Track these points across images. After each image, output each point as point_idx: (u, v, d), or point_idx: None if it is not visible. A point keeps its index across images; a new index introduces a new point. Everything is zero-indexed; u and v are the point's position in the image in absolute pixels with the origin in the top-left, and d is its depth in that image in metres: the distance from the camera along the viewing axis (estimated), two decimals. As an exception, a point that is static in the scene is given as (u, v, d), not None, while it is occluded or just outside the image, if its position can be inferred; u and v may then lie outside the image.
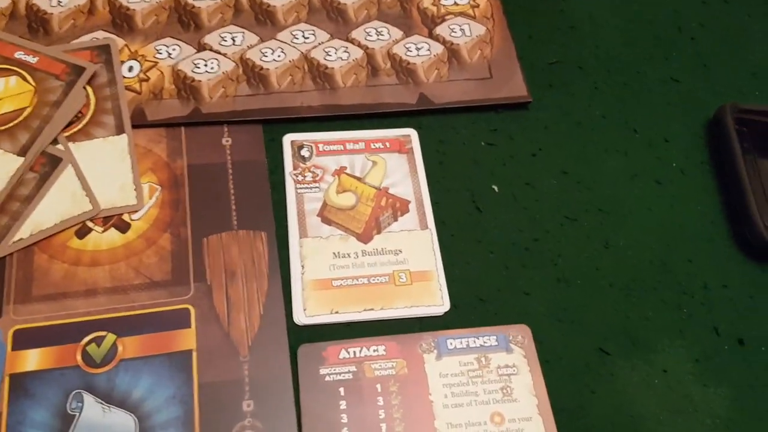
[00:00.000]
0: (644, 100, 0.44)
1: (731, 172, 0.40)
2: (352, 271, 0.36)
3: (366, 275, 0.36)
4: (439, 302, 0.35)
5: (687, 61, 0.45)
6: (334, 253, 0.36)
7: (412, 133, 0.41)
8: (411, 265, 0.36)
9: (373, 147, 0.40)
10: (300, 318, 0.34)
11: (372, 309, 0.35)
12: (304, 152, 0.39)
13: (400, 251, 0.37)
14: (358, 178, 0.39)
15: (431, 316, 0.35)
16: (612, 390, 0.34)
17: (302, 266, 0.36)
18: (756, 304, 0.37)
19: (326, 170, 0.39)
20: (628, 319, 0.36)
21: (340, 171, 0.39)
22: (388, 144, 0.40)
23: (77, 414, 0.31)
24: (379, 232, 0.37)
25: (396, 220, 0.38)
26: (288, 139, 0.40)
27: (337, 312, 0.35)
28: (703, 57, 0.46)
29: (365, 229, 0.37)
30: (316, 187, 0.38)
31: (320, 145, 0.39)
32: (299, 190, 0.38)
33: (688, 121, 0.43)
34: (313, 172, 0.39)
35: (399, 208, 0.38)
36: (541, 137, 0.41)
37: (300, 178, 0.38)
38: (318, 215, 0.37)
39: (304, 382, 0.33)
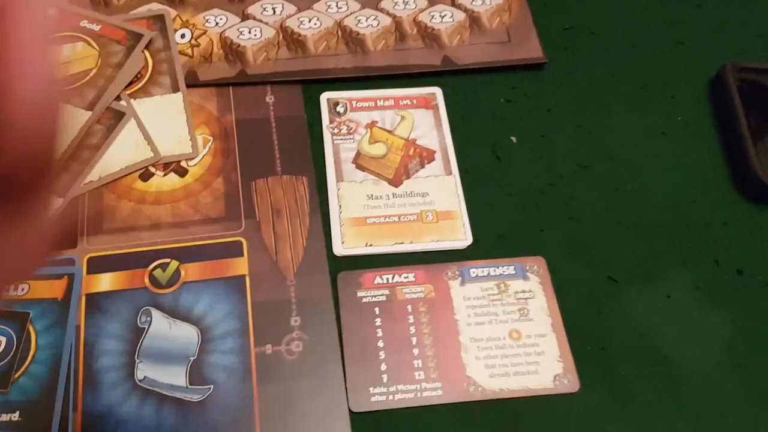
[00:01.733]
0: (652, 61, 0.47)
1: (732, 124, 0.43)
2: (384, 211, 0.40)
3: (397, 214, 0.40)
4: (462, 237, 0.39)
5: (693, 25, 0.49)
6: (367, 195, 0.40)
7: (437, 91, 0.45)
8: (437, 206, 0.40)
9: (401, 103, 0.44)
10: (339, 250, 0.38)
11: (402, 243, 0.39)
12: (340, 108, 0.43)
13: (428, 194, 0.41)
14: (389, 131, 0.43)
15: (455, 250, 0.39)
16: (619, 311, 0.37)
17: (339, 206, 0.40)
18: (754, 238, 0.40)
19: (359, 124, 0.43)
20: (635, 252, 0.39)
21: (372, 124, 0.43)
22: (415, 101, 0.44)
23: (146, 327, 0.35)
24: (408, 178, 0.41)
25: (423, 167, 0.42)
26: (324, 97, 0.44)
27: (371, 245, 0.39)
28: (708, 22, 0.49)
29: (396, 175, 0.41)
30: (350, 139, 0.42)
31: (354, 102, 0.44)
32: (335, 141, 0.42)
33: (693, 79, 0.46)
34: (348, 126, 0.43)
35: (426, 156, 0.42)
36: (556, 94, 0.45)
37: (336, 130, 0.43)
38: (353, 162, 0.41)
39: (344, 303, 0.37)
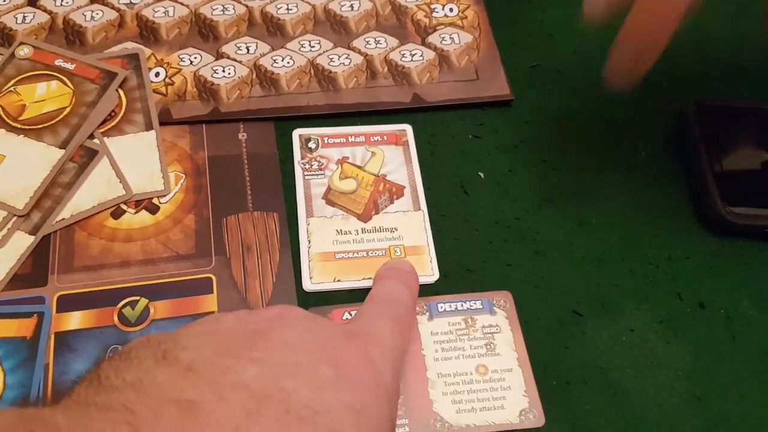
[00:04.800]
0: (616, 98, 0.48)
1: (694, 159, 0.44)
2: (353, 246, 0.40)
3: (365, 249, 0.40)
4: (429, 272, 0.40)
5: (657, 63, 0.50)
6: (337, 230, 0.41)
7: (407, 128, 0.45)
8: (405, 241, 0.41)
9: (372, 140, 0.45)
10: (307, 285, 0.39)
11: (370, 278, 0.39)
12: (311, 144, 0.44)
13: (396, 229, 0.41)
14: (359, 167, 0.44)
15: (423, 285, 0.40)
16: (584, 346, 0.38)
17: (309, 241, 0.40)
18: (716, 272, 0.41)
19: (330, 159, 0.44)
20: (599, 286, 0.40)
21: (342, 160, 0.44)
22: (385, 137, 0.45)
23: (115, 365, 0.35)
24: (377, 213, 0.42)
25: (392, 202, 0.42)
26: (296, 133, 0.45)
27: (339, 280, 0.39)
28: (672, 60, 0.50)
29: (365, 210, 0.42)
30: (321, 174, 0.43)
31: (325, 138, 0.44)
32: (306, 177, 0.43)
33: (656, 115, 0.48)
34: (319, 162, 0.43)
35: (395, 192, 0.43)
36: (523, 131, 0.46)
37: (307, 166, 0.43)
38: (323, 198, 0.42)
39: (311, 339, 0.37)
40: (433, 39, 0.50)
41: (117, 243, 0.39)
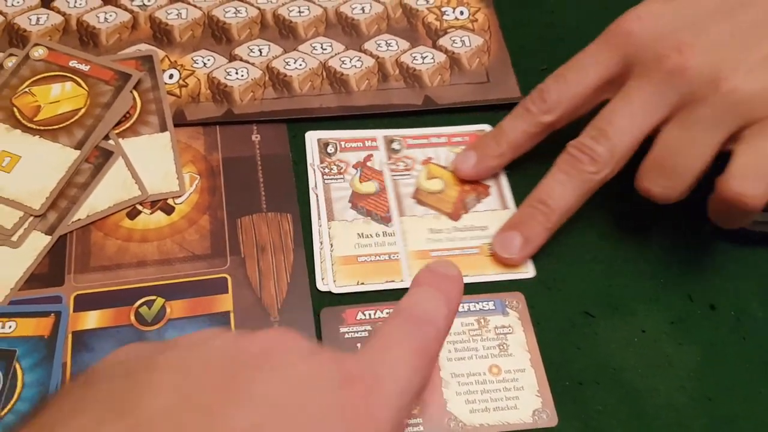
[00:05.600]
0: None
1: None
2: (446, 244, 0.41)
3: (459, 247, 0.41)
4: (525, 270, 0.41)
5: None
6: (430, 229, 0.42)
7: (486, 128, 0.46)
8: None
9: (453, 141, 0.45)
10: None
11: (467, 275, 0.39)
12: (395, 145, 0.45)
13: (486, 227, 0.42)
14: (444, 167, 0.44)
15: (519, 280, 0.40)
16: (595, 346, 0.38)
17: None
18: (727, 275, 0.41)
19: (415, 160, 0.44)
20: (610, 287, 0.41)
21: (427, 161, 0.44)
22: (467, 138, 0.45)
23: (132, 364, 0.36)
24: (466, 212, 0.43)
25: (479, 201, 0.43)
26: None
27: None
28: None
29: (454, 209, 0.43)
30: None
31: (408, 140, 0.45)
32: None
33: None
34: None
35: (481, 191, 0.43)
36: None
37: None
38: (413, 197, 0.43)
39: (326, 338, 0.37)
40: (443, 42, 0.50)
41: (133, 243, 0.40)
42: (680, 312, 0.40)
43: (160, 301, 0.38)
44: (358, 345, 0.37)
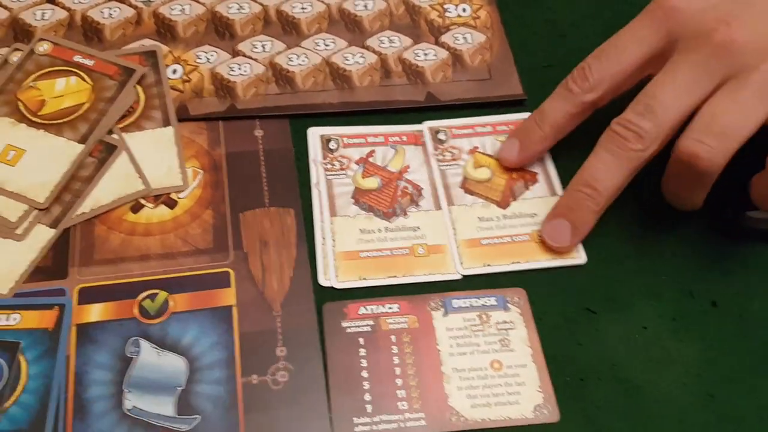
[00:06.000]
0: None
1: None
2: (496, 232, 0.41)
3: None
4: (576, 255, 0.41)
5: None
6: (479, 218, 0.42)
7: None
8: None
9: (498, 129, 0.46)
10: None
11: (518, 261, 0.40)
12: (441, 136, 0.45)
13: (536, 214, 0.42)
14: (490, 156, 0.44)
15: (567, 266, 0.41)
16: (597, 342, 0.39)
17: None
18: (728, 271, 0.41)
19: (462, 150, 0.44)
20: (611, 283, 0.41)
21: (474, 150, 0.45)
22: (512, 126, 0.46)
23: (135, 357, 0.36)
24: (515, 200, 0.43)
25: (528, 189, 0.43)
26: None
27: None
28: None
29: (503, 198, 0.43)
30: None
31: (454, 130, 0.46)
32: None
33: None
34: (452, 152, 0.44)
35: (529, 179, 0.44)
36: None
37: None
38: (461, 187, 0.43)
39: (329, 333, 0.38)
40: (446, 38, 0.50)
41: (136, 237, 0.40)
42: (681, 308, 0.40)
43: (163, 294, 0.38)
44: (361, 339, 0.38)
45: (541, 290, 0.40)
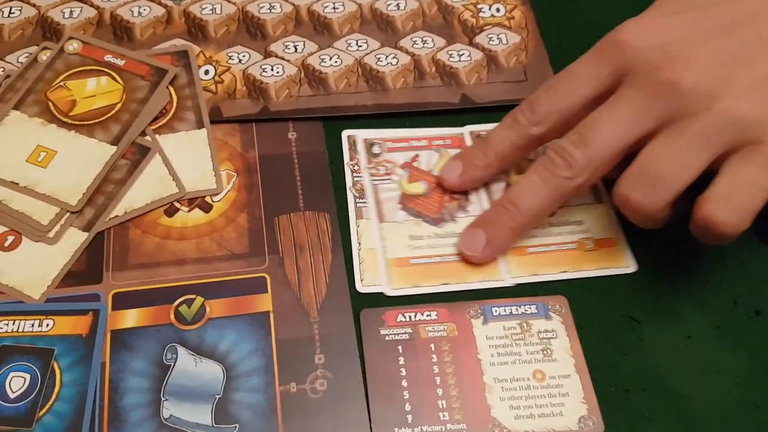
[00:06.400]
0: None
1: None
2: (541, 240, 0.41)
3: (556, 243, 0.41)
4: (625, 264, 0.40)
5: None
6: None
7: None
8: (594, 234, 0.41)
9: None
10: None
11: (566, 270, 0.40)
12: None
13: (582, 222, 0.42)
14: (531, 160, 0.43)
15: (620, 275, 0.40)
16: (641, 352, 0.38)
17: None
18: (771, 280, 0.41)
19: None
20: (655, 291, 0.40)
21: None
22: None
23: (172, 364, 0.35)
24: (561, 206, 0.41)
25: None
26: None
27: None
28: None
29: None
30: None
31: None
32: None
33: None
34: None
35: None
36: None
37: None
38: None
39: (366, 340, 0.37)
40: (480, 39, 0.49)
41: (171, 241, 0.39)
42: (725, 317, 0.39)
43: (199, 300, 0.37)
44: (399, 347, 0.37)
45: (582, 298, 0.39)
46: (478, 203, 0.42)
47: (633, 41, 0.37)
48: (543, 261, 0.40)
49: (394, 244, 0.40)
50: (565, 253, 0.40)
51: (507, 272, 0.40)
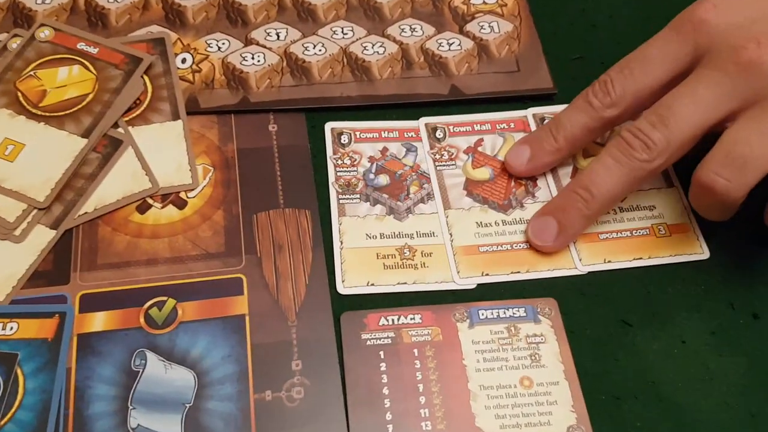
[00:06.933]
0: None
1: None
2: (613, 226, 0.40)
3: (628, 229, 0.40)
4: (699, 251, 0.39)
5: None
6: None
7: None
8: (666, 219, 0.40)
9: None
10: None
11: (640, 258, 0.39)
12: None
13: (654, 207, 0.40)
14: (598, 143, 0.42)
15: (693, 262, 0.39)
16: (634, 358, 0.36)
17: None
18: (770, 282, 0.39)
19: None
20: (649, 293, 0.38)
21: None
22: None
23: (141, 370, 0.34)
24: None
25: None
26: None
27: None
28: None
29: None
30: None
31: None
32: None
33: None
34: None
35: None
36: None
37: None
38: (571, 177, 0.41)
39: (347, 345, 0.35)
40: (471, 27, 0.47)
41: (143, 239, 0.37)
42: (722, 321, 0.38)
43: (171, 302, 0.35)
44: (381, 353, 0.35)
45: (573, 300, 0.38)
46: (546, 188, 0.41)
47: (712, 19, 0.36)
48: (615, 248, 0.39)
49: (460, 232, 0.39)
50: (639, 239, 0.39)
51: (579, 260, 0.38)
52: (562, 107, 0.43)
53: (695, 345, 0.37)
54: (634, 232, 0.39)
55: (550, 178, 0.41)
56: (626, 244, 0.39)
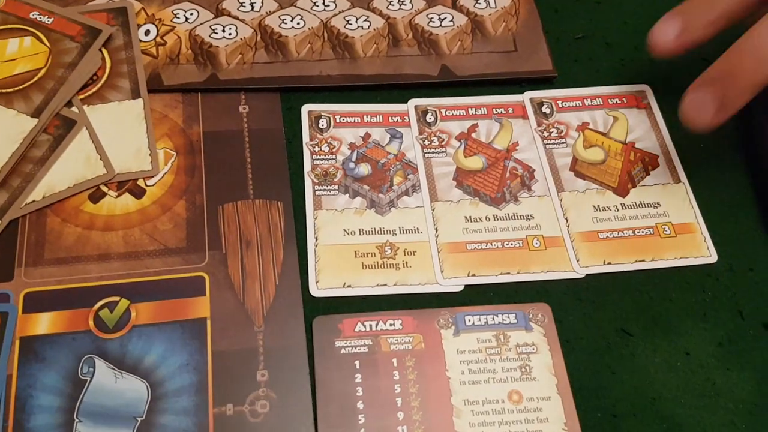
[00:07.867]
0: (672, 78, 0.42)
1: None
2: (615, 224, 0.37)
3: (630, 227, 0.37)
4: (706, 253, 0.36)
5: (719, 40, 0.44)
6: (594, 207, 0.37)
7: (647, 89, 0.41)
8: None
9: (610, 102, 0.40)
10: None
11: (642, 260, 0.36)
12: (545, 109, 0.40)
13: (659, 204, 0.37)
14: (603, 133, 0.39)
15: (701, 265, 0.36)
16: (633, 371, 0.33)
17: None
18: (782, 288, 0.36)
19: (570, 126, 0.39)
20: (651, 300, 0.35)
21: (583, 126, 0.39)
22: (624, 99, 0.40)
23: (89, 379, 0.30)
24: (634, 186, 0.37)
25: (648, 174, 0.38)
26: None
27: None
28: (730, 35, 0.44)
29: (620, 183, 0.38)
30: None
31: (559, 102, 0.40)
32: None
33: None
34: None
35: (649, 162, 0.38)
36: (566, 113, 0.40)
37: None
38: (570, 169, 0.38)
39: (319, 354, 0.32)
40: (465, 1, 0.43)
41: (95, 232, 0.34)
42: (730, 332, 0.35)
43: (124, 303, 0.32)
44: (356, 362, 0.32)
45: (568, 306, 0.34)
46: (544, 181, 0.37)
47: None
48: (616, 248, 0.36)
49: (447, 227, 0.36)
50: (641, 239, 0.36)
51: (576, 261, 0.35)
52: (563, 91, 0.40)
53: (700, 357, 0.34)
54: (636, 231, 0.36)
55: (548, 171, 0.38)
56: (628, 245, 0.36)
